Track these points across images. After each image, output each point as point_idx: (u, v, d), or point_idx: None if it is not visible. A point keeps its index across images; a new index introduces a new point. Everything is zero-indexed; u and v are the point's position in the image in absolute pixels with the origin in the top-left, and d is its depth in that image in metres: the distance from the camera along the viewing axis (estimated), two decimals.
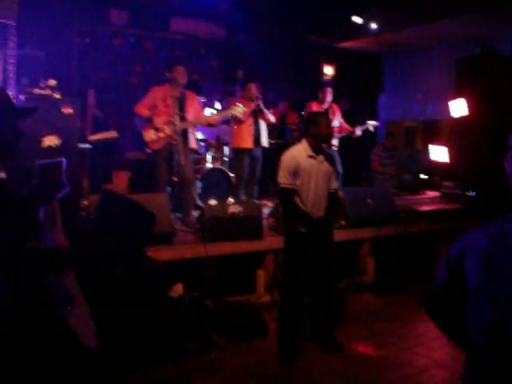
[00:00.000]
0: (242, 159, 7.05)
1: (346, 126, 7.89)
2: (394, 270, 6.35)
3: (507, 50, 8.00)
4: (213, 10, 10.20)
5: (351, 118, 8.30)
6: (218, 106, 10.16)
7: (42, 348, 2.23)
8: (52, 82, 4.83)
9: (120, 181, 8.29)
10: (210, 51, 10.93)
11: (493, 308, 1.49)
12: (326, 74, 10.97)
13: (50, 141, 4.57)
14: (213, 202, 7.55)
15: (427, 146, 9.49)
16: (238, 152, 7.15)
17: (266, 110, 7.10)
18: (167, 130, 5.91)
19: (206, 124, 6.50)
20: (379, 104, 12.05)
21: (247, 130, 6.95)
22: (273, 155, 7.26)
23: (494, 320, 1.49)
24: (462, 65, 8.13)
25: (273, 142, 9.02)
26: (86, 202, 5.02)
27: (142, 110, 6.09)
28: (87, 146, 7.65)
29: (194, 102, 6.29)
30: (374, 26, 9.46)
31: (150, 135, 5.99)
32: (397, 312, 5.39)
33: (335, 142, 7.72)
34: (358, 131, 7.79)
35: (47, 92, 4.74)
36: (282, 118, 9.89)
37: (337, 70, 10.91)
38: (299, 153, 4.12)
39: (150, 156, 6.28)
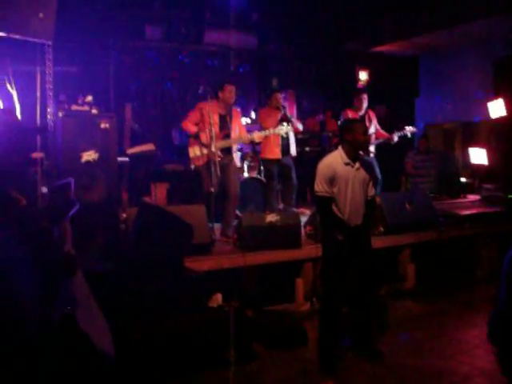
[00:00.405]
0: (271, 169, 7.05)
1: (382, 132, 7.79)
2: (435, 276, 6.25)
3: None
4: (245, 20, 10.30)
5: (389, 124, 8.24)
6: (253, 115, 10.23)
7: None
8: (89, 98, 4.95)
9: (158, 193, 8.40)
10: (243, 61, 11.00)
11: None
12: (360, 80, 10.91)
13: (89, 156, 4.68)
14: (251, 210, 7.63)
15: (467, 149, 9.35)
16: (266, 162, 7.16)
17: (293, 119, 7.08)
18: (212, 146, 5.84)
19: (248, 142, 6.55)
20: (416, 107, 11.91)
21: (275, 140, 6.92)
22: (311, 163, 7.24)
23: None
24: (499, 65, 8.00)
25: (309, 149, 9.05)
26: (124, 215, 5.09)
27: (189, 126, 6.08)
28: (125, 159, 7.83)
29: (238, 119, 6.34)
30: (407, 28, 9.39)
31: (194, 151, 6.01)
32: (438, 319, 5.28)
33: (372, 148, 7.64)
34: (396, 137, 7.68)
35: (85, 108, 4.86)
36: (321, 126, 9.90)
37: (372, 75, 10.84)
38: (335, 160, 4.10)
39: (190, 169, 6.23)
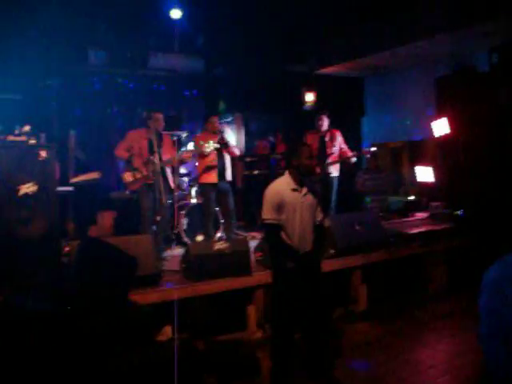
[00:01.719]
0: (207, 194, 6.92)
1: (347, 151, 7.75)
2: (387, 296, 6.25)
3: (485, 66, 8.04)
4: (190, 44, 10.23)
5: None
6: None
7: None
8: (26, 128, 4.74)
9: (105, 221, 8.19)
10: (190, 86, 10.92)
11: None
12: (307, 101, 10.98)
13: (27, 188, 4.46)
14: (200, 237, 7.49)
15: (413, 167, 9.49)
16: (203, 187, 7.03)
17: (230, 143, 7.01)
18: (144, 170, 6.29)
19: (178, 163, 6.70)
20: (363, 127, 12.08)
21: (211, 164, 6.82)
22: (260, 186, 7.17)
23: None
24: (441, 83, 8.18)
25: (257, 172, 9.01)
26: (68, 248, 4.88)
27: (121, 152, 6.46)
28: (69, 188, 7.59)
29: (168, 142, 6.62)
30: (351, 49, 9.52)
31: (127, 177, 6.38)
32: (393, 340, 5.25)
33: (333, 169, 7.63)
34: (354, 158, 7.70)
35: (22, 138, 4.64)
36: (271, 149, 9.87)
37: (318, 96, 10.92)
38: (282, 186, 4.02)
39: (133, 196, 6.65)
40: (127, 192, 6.61)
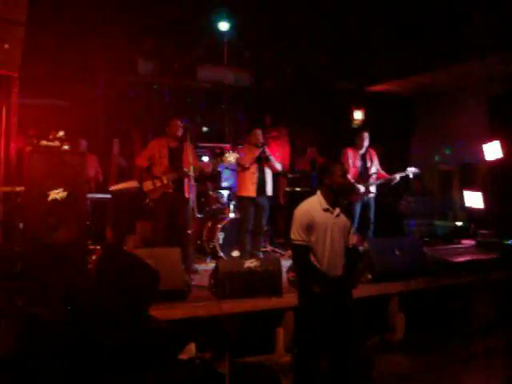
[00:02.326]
0: (245, 208, 6.76)
1: (382, 173, 7.57)
2: (425, 327, 5.90)
3: None
4: (239, 57, 10.15)
5: (384, 164, 7.99)
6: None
7: None
8: (60, 134, 4.70)
9: (144, 231, 8.12)
10: (237, 98, 10.84)
11: None
12: (355, 119, 10.74)
13: (56, 194, 4.41)
14: (236, 253, 7.34)
15: (463, 192, 9.09)
16: (240, 200, 6.88)
17: (272, 158, 6.81)
18: (164, 179, 6.33)
19: (198, 172, 6.50)
20: (412, 148, 11.70)
21: (250, 178, 6.67)
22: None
23: None
24: (494, 104, 7.78)
25: (300, 189, 8.79)
26: (94, 257, 4.81)
27: (141, 161, 6.52)
28: (108, 196, 7.58)
29: (190, 152, 6.37)
30: (400, 68, 9.24)
31: (147, 185, 6.43)
32: (427, 376, 4.92)
33: (373, 188, 7.43)
34: (397, 178, 7.42)
35: (55, 144, 4.60)
36: (312, 165, 9.63)
37: (366, 115, 10.66)
38: (313, 206, 3.82)
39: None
40: (147, 201, 6.73)
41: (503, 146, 7.35)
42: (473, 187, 8.89)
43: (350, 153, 7.39)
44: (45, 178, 4.45)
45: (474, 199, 8.04)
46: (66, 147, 4.69)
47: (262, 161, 6.74)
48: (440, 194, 10.50)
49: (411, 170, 7.46)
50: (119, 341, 3.67)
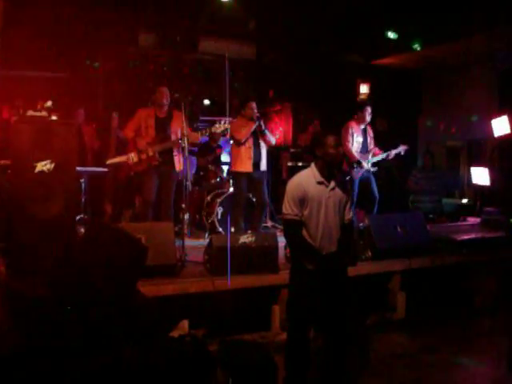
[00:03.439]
0: (239, 183, 6.51)
1: (377, 149, 7.32)
2: (427, 307, 5.74)
3: None
4: (242, 29, 9.88)
5: (389, 139, 7.78)
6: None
7: None
8: (48, 104, 4.52)
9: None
10: (240, 71, 10.59)
11: None
12: (361, 94, 10.46)
13: (43, 166, 4.24)
14: (233, 228, 7.17)
15: (469, 168, 8.86)
16: (235, 175, 6.62)
17: (267, 132, 6.53)
18: (150, 150, 6.00)
19: (189, 144, 6.00)
20: (419, 123, 11.44)
21: (246, 152, 6.39)
22: None
23: None
24: (504, 78, 7.50)
25: (302, 164, 8.60)
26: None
27: (127, 131, 6.21)
28: (105, 169, 7.41)
29: (180, 121, 5.98)
30: (409, 41, 8.96)
31: (132, 157, 6.10)
32: (428, 357, 4.75)
33: (370, 164, 7.20)
34: (392, 154, 7.21)
35: (42, 114, 4.42)
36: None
37: (372, 89, 10.39)
38: (307, 179, 3.62)
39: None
40: (132, 173, 6.39)
41: (511, 122, 7.09)
42: (480, 164, 8.66)
43: (353, 126, 7.15)
44: (31, 150, 4.26)
45: (480, 176, 7.80)
46: (54, 117, 4.51)
47: (258, 135, 6.48)
48: (448, 170, 10.27)
49: (402, 148, 7.25)
50: (105, 317, 3.54)
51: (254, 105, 6.47)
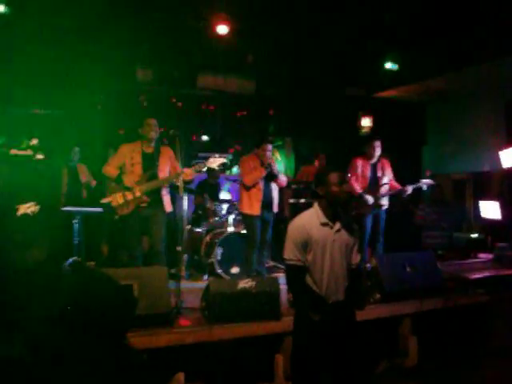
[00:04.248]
0: (251, 225, 6.23)
1: (395, 183, 7.06)
2: (441, 351, 5.37)
3: None
4: (240, 63, 9.72)
5: (393, 173, 7.52)
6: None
7: None
8: (34, 142, 4.25)
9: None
10: (239, 106, 10.41)
11: None
12: (363, 127, 10.26)
13: (27, 208, 3.95)
14: (235, 269, 6.86)
15: (477, 201, 8.58)
16: (246, 217, 6.33)
17: (279, 173, 6.31)
18: (137, 190, 5.41)
19: (180, 180, 5.57)
20: (423, 156, 11.19)
21: (256, 195, 6.15)
22: None
23: None
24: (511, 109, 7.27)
25: (304, 201, 8.31)
26: None
27: (110, 169, 5.59)
28: (99, 209, 7.11)
29: (168, 158, 5.72)
30: (411, 72, 8.78)
31: (117, 198, 5.46)
32: None
33: (384, 200, 6.95)
34: (410, 190, 6.86)
35: (27, 152, 4.15)
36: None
37: (375, 122, 10.18)
38: (310, 221, 3.32)
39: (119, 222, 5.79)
40: (117, 217, 5.60)
41: None
42: (487, 197, 8.38)
43: (359, 162, 6.90)
44: (14, 191, 3.98)
45: (490, 209, 7.50)
46: (40, 156, 4.23)
47: (270, 178, 6.24)
48: (454, 204, 9.97)
49: (425, 182, 6.94)
50: (91, 377, 3.20)
51: (269, 147, 6.20)
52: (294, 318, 3.46)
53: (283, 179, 6.38)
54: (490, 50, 7.37)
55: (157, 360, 4.20)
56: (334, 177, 3.31)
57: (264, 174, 6.12)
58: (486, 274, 6.15)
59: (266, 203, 6.22)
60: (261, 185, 6.17)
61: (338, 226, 3.34)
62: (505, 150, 7.10)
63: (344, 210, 3.41)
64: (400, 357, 5.34)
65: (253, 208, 6.14)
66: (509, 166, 7.09)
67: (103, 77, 8.69)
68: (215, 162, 5.55)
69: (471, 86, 8.97)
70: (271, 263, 7.57)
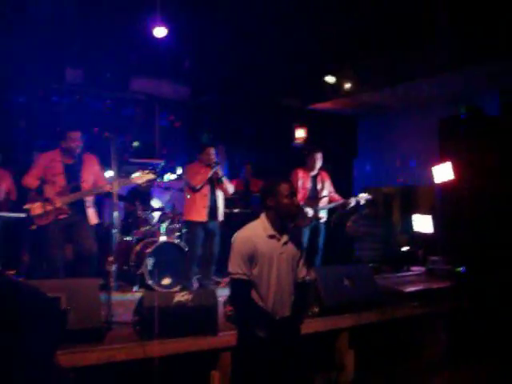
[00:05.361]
0: (194, 234, 6.13)
1: (336, 196, 7.06)
2: (378, 365, 5.33)
3: (494, 109, 7.32)
4: (176, 68, 9.48)
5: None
6: (179, 171, 9.29)
7: None
8: None
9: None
10: (172, 112, 10.17)
11: None
12: (297, 138, 10.26)
13: None
14: (167, 280, 6.58)
15: (406, 215, 8.74)
16: (190, 225, 6.25)
17: (225, 179, 6.24)
18: (57, 201, 5.23)
19: (103, 192, 5.51)
20: (354, 169, 11.32)
21: (202, 201, 6.10)
22: (239, 226, 6.34)
23: None
24: (445, 126, 7.44)
25: (238, 211, 8.15)
26: None
27: (30, 180, 5.43)
28: (22, 215, 6.66)
29: (92, 167, 5.60)
30: (347, 86, 8.84)
31: (35, 208, 5.28)
32: None
33: (323, 213, 6.93)
34: (353, 202, 6.91)
35: None
36: (246, 185, 8.96)
37: (308, 133, 10.20)
38: (256, 233, 3.15)
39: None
40: (34, 227, 5.37)
41: (454, 168, 6.97)
42: (418, 211, 8.55)
43: (300, 173, 6.85)
44: None
45: (422, 223, 7.63)
46: None
47: (215, 182, 6.17)
48: (385, 217, 10.12)
49: (363, 196, 6.99)
50: None
51: (212, 150, 6.22)
52: (237, 334, 3.27)
53: (229, 186, 6.34)
54: (424, 68, 7.52)
55: (85, 379, 3.90)
56: (285, 188, 3.16)
57: (210, 172, 6.07)
58: (420, 287, 6.23)
59: (212, 210, 6.15)
60: (206, 190, 6.12)
61: (285, 238, 3.19)
62: (437, 167, 7.24)
63: (292, 222, 3.27)
64: (337, 371, 5.25)
65: (198, 214, 6.08)
66: (440, 181, 7.22)
67: (30, 76, 8.25)
68: (142, 178, 5.38)
69: (404, 102, 9.15)
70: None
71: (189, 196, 6.19)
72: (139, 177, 5.35)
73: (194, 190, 6.07)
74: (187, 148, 10.08)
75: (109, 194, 5.31)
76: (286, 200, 3.14)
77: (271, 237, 3.15)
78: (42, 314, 3.04)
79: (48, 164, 5.40)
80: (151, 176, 5.42)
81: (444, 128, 7.45)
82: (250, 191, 8.55)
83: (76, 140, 5.43)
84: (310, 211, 6.68)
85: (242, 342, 3.23)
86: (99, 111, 9.44)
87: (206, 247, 6.25)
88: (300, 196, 6.72)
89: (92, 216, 5.52)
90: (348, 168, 11.26)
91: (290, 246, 3.21)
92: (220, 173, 6.17)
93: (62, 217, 5.29)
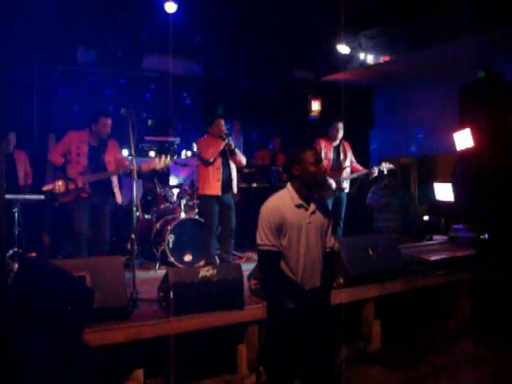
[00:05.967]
0: (209, 208, 6.04)
1: (358, 166, 7.04)
2: (404, 334, 5.30)
3: None
4: (188, 45, 9.35)
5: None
6: (195, 147, 9.24)
7: None
8: None
9: None
10: (186, 89, 10.07)
11: None
12: (313, 110, 10.14)
13: None
14: (188, 257, 6.58)
15: (423, 184, 8.65)
16: (204, 199, 6.14)
17: (237, 151, 6.16)
18: (79, 180, 5.39)
19: (127, 171, 5.49)
20: (371, 140, 11.19)
21: (215, 174, 5.99)
22: (258, 201, 6.29)
23: None
24: (464, 93, 7.26)
25: (256, 185, 8.10)
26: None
27: (56, 157, 5.57)
28: (41, 197, 6.65)
29: (114, 151, 5.73)
30: (362, 55, 8.69)
31: (59, 186, 5.44)
32: None
33: (346, 183, 6.90)
34: (376, 172, 6.92)
35: None
36: (271, 160, 8.92)
37: (323, 105, 10.08)
38: (284, 202, 3.08)
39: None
40: (58, 203, 5.52)
41: (474, 135, 6.83)
42: (439, 179, 8.43)
43: (322, 143, 6.78)
44: None
45: (443, 192, 7.52)
46: None
47: (227, 154, 6.08)
48: (402, 187, 10.03)
49: (386, 166, 6.95)
50: (43, 376, 2.89)
51: (222, 122, 6.10)
52: (266, 307, 3.22)
53: (242, 157, 6.24)
54: (442, 32, 7.34)
55: (113, 356, 3.90)
56: (310, 155, 3.08)
57: (222, 144, 5.97)
58: (444, 255, 6.12)
59: (225, 184, 6.06)
60: (219, 163, 6.02)
61: (312, 207, 3.12)
62: (458, 133, 7.09)
63: (319, 190, 3.20)
64: (363, 341, 5.23)
65: (212, 188, 5.98)
66: (462, 148, 7.09)
67: (41, 56, 8.19)
68: (160, 163, 5.36)
69: (421, 70, 8.97)
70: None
71: (201, 170, 6.11)
72: (157, 163, 5.35)
73: (206, 164, 5.97)
74: (202, 124, 9.99)
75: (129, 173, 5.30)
76: (313, 167, 3.06)
77: (299, 206, 3.08)
78: (70, 295, 3.04)
79: (75, 143, 5.50)
80: (168, 161, 5.45)
81: (464, 94, 7.27)
82: (273, 166, 8.48)
83: (106, 125, 5.55)
84: (333, 182, 6.63)
85: (272, 315, 3.18)
86: (113, 91, 9.35)
87: (223, 221, 6.16)
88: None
89: (118, 195, 5.68)
90: (365, 139, 11.15)
91: (318, 215, 3.15)
92: (232, 144, 6.06)
93: (84, 195, 5.42)
